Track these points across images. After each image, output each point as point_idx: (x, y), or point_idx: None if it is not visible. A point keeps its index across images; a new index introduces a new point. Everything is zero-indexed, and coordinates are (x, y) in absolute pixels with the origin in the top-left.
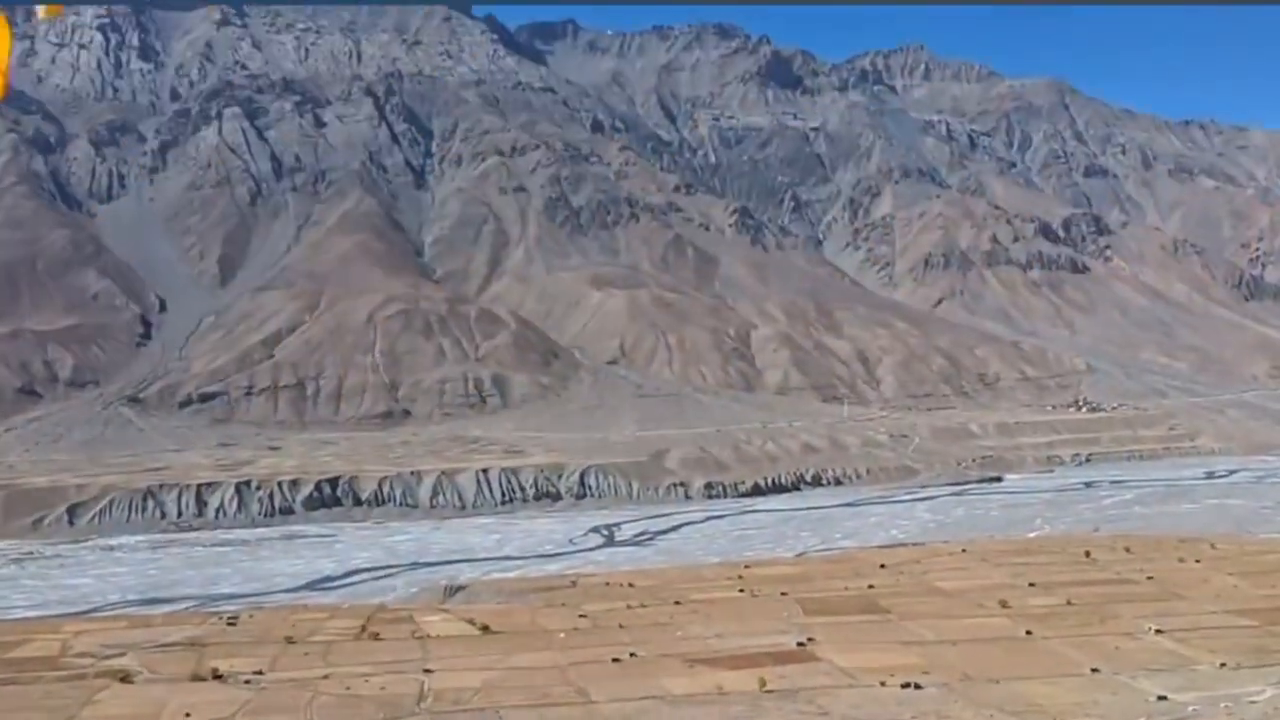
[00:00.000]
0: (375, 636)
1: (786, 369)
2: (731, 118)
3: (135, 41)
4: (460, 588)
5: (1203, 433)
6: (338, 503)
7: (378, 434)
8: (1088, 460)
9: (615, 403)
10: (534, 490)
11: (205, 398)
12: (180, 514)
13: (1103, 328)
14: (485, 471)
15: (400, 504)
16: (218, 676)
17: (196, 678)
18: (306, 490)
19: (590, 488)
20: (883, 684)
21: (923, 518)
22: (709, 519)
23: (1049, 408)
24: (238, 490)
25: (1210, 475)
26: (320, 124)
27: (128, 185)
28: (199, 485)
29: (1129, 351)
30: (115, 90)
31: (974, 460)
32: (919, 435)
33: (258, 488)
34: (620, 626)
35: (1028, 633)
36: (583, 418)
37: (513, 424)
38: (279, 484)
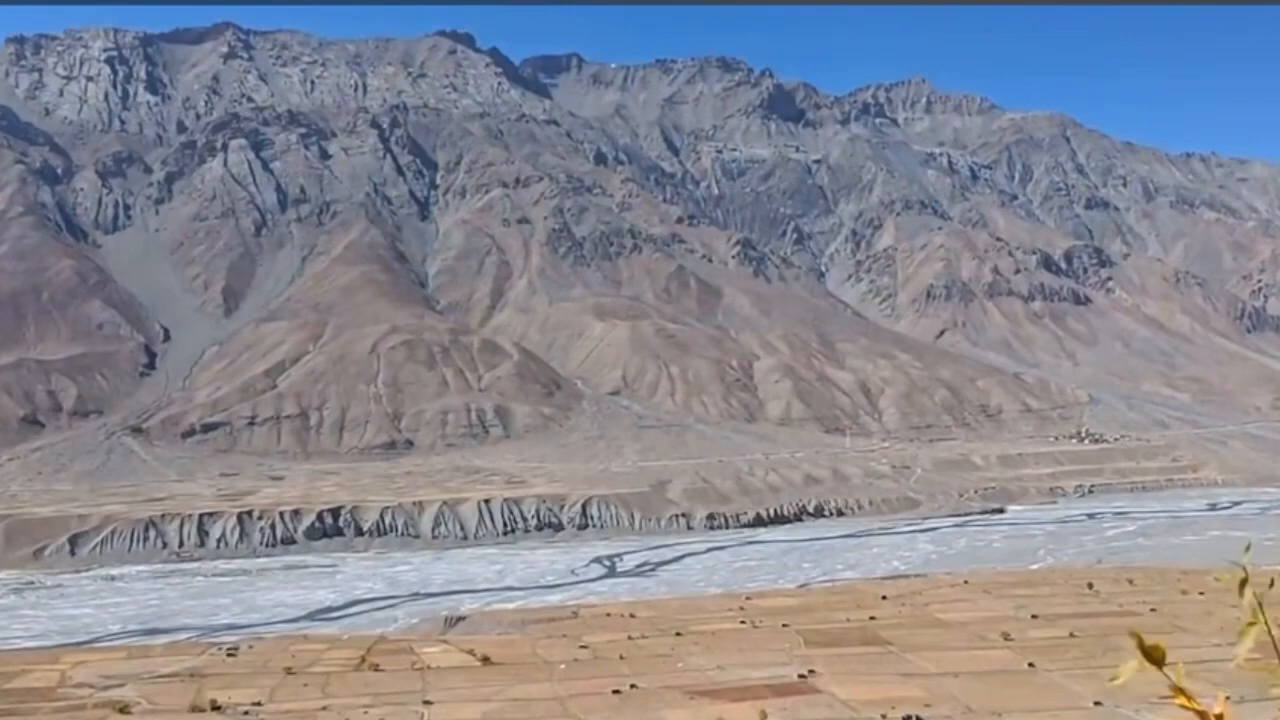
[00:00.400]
0: (375, 668)
1: (789, 400)
2: (734, 150)
3: (143, 74)
4: (461, 618)
5: (1205, 464)
6: (339, 533)
7: (380, 464)
8: (1090, 491)
9: (617, 433)
10: (536, 521)
11: (208, 427)
12: (182, 544)
13: (1105, 359)
14: (487, 502)
15: (402, 534)
16: (216, 708)
17: (195, 709)
18: (308, 520)
19: (592, 518)
20: (884, 716)
21: (925, 549)
22: (711, 550)
23: (1051, 439)
24: (239, 520)
25: (1213, 507)
26: (325, 155)
27: (133, 216)
28: (201, 515)
29: (1131, 383)
30: (122, 122)
31: (976, 491)
32: (921, 466)
33: (259, 518)
34: (621, 658)
35: (1030, 665)
36: (585, 448)
37: (515, 454)
38: (281, 514)
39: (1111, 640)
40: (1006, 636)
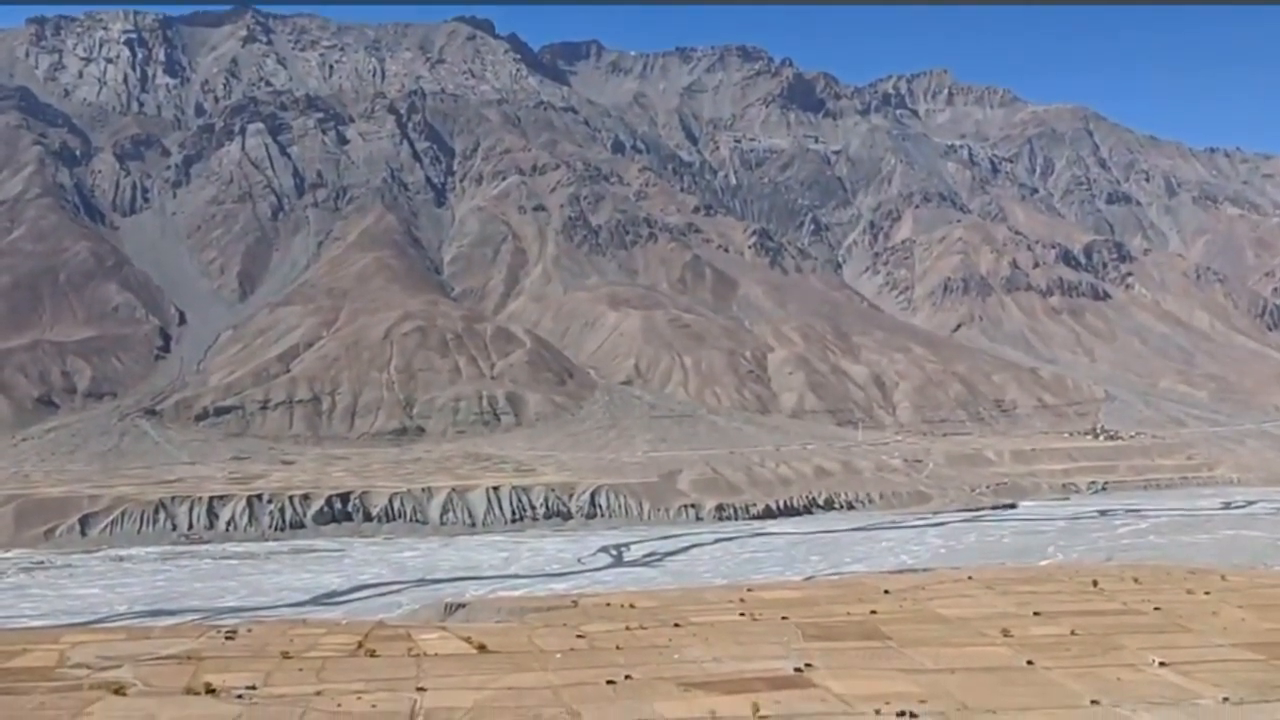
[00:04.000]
0: (371, 653)
1: (802, 392)
2: (753, 140)
3: (162, 57)
4: (460, 605)
5: (1221, 462)
6: (348, 518)
7: (391, 450)
8: (1104, 488)
9: (629, 423)
10: (544, 509)
11: (221, 411)
12: (191, 526)
13: (1122, 355)
14: (496, 489)
15: (410, 520)
16: (210, 691)
17: (190, 691)
18: (317, 505)
19: (601, 507)
20: (878, 712)
21: (934, 544)
22: (719, 541)
23: (1066, 435)
24: (249, 504)
25: (1227, 506)
26: (343, 141)
27: (151, 199)
28: (211, 498)
29: (1148, 379)
30: (141, 105)
31: (989, 487)
32: (934, 460)
33: (269, 501)
34: (617, 648)
35: (1029, 662)
36: (596, 437)
37: (526, 442)
38: (290, 498)
39: (1113, 639)
40: (1007, 633)
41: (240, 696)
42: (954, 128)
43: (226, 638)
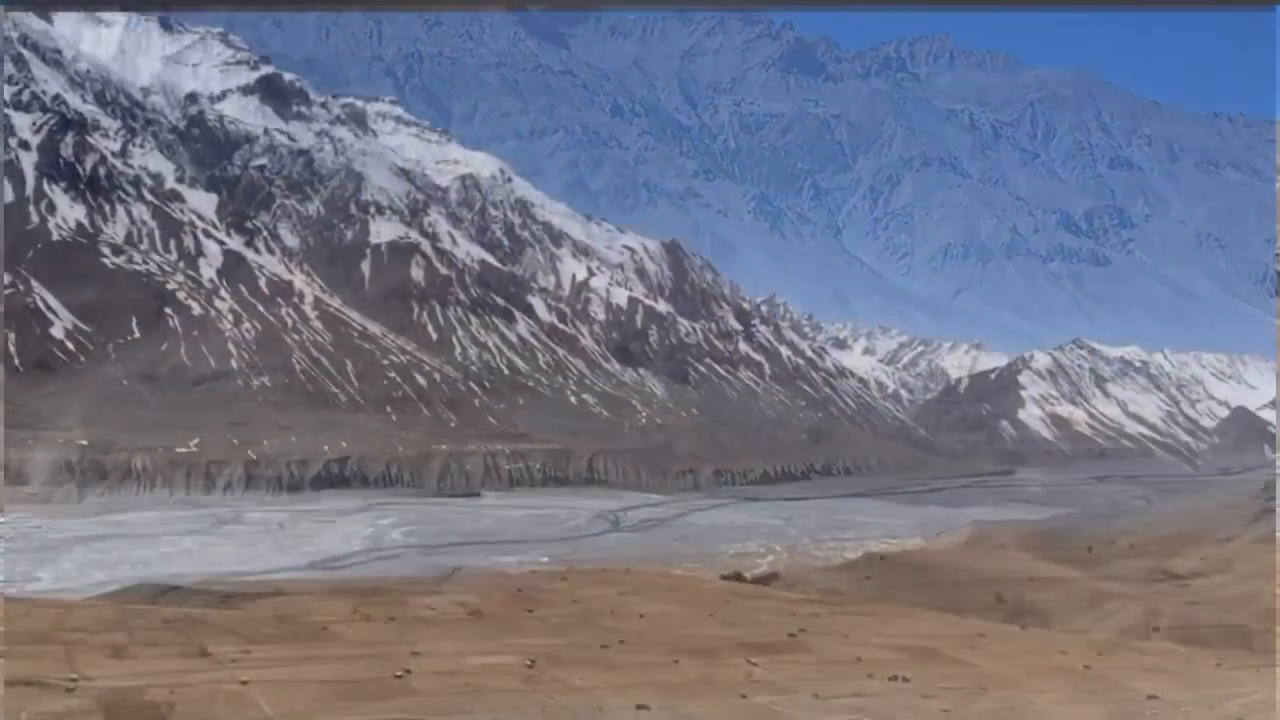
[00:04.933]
0: (366, 618)
1: (802, 356)
2: (752, 103)
3: (155, 18)
4: (456, 569)
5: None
6: (345, 483)
7: (389, 414)
8: (1102, 455)
9: (626, 387)
10: (542, 474)
11: (219, 375)
12: (189, 491)
13: (1122, 321)
14: (494, 454)
15: (408, 485)
16: (205, 655)
17: (184, 655)
18: (315, 469)
19: (599, 473)
20: (870, 676)
21: (932, 509)
22: (716, 506)
23: (1065, 400)
24: (247, 468)
25: (1225, 472)
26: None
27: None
28: (208, 463)
29: (1149, 345)
30: (134, 66)
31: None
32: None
33: (267, 466)
34: (612, 613)
35: (1021, 627)
36: (593, 402)
37: (524, 406)
38: (287, 463)
39: (1106, 606)
40: (1000, 598)
41: (234, 661)
42: (955, 92)
43: (223, 602)
